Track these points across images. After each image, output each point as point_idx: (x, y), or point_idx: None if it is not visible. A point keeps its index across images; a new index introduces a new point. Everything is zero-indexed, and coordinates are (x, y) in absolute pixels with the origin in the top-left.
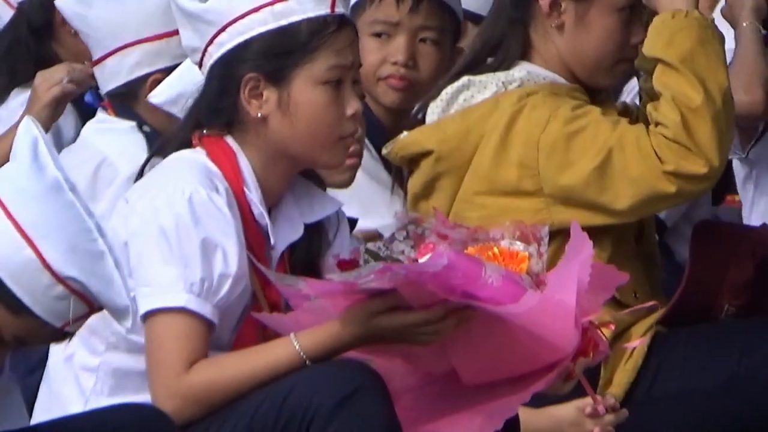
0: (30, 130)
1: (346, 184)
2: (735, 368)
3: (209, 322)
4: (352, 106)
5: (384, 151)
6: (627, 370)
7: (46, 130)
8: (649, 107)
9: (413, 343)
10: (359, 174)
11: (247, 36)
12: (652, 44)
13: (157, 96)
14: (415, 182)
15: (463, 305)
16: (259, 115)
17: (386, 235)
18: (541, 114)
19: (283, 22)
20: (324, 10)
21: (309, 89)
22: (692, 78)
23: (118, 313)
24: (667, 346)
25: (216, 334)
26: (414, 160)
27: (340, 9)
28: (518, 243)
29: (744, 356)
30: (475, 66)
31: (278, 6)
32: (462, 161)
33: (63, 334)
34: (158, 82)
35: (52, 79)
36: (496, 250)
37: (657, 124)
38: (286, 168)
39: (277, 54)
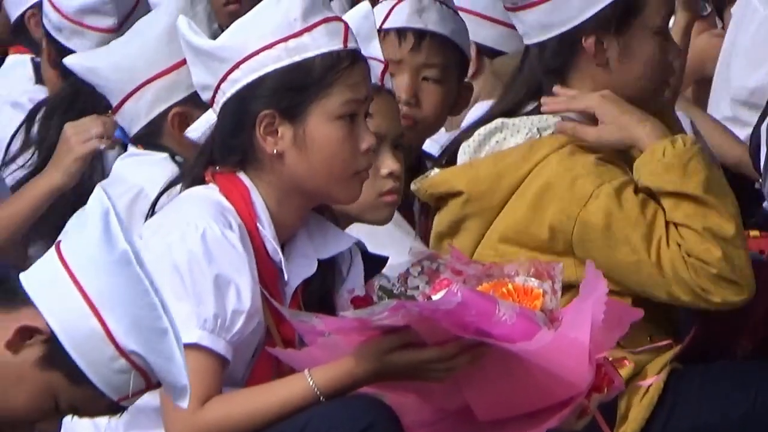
0: (102, 201)
1: (385, 221)
2: (750, 406)
3: (223, 358)
4: (367, 141)
5: (413, 187)
6: (643, 407)
7: (77, 181)
8: (682, 237)
9: (427, 380)
10: None
11: (261, 72)
12: (666, 178)
13: (195, 131)
14: (441, 220)
15: (477, 342)
16: (275, 151)
17: (400, 271)
18: (583, 188)
19: (297, 58)
20: (337, 45)
21: (324, 124)
22: (720, 206)
23: (176, 392)
24: (683, 382)
25: (230, 370)
26: (442, 198)
27: (352, 44)
28: (533, 280)
29: (759, 393)
30: (511, 113)
31: (292, 42)
32: (492, 205)
33: (117, 408)
34: (179, 115)
35: (86, 133)
36: (510, 286)
37: (690, 255)
38: (301, 203)
39: (291, 90)
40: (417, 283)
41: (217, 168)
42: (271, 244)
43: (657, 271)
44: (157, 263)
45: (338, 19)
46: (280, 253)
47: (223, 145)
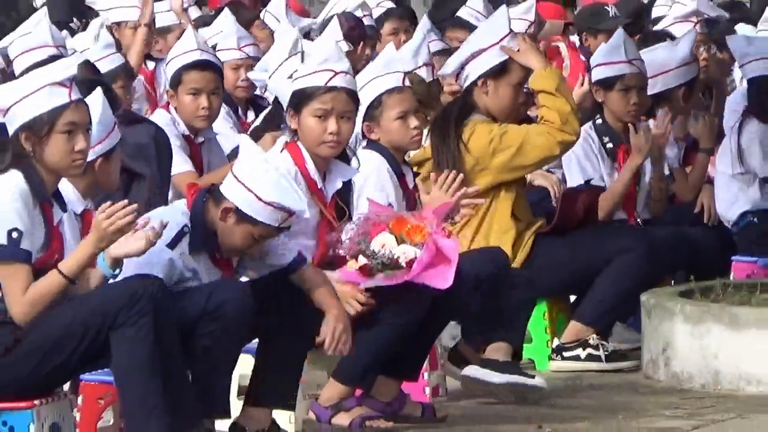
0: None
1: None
2: (582, 250)
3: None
4: (330, 128)
5: (407, 158)
6: (524, 253)
7: None
8: (541, 113)
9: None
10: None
11: (287, 93)
12: (542, 84)
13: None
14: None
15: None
16: (295, 130)
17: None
18: (484, 130)
19: (300, 86)
20: (322, 82)
21: (308, 119)
22: (563, 98)
23: (299, 216)
24: (545, 241)
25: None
26: (421, 164)
27: (333, 82)
28: (421, 220)
29: (579, 243)
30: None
31: (302, 80)
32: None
33: (281, 230)
34: None
35: (268, 146)
36: (408, 226)
37: (546, 121)
38: (318, 155)
39: (296, 102)
40: (353, 227)
41: (288, 140)
42: (315, 176)
43: (529, 139)
44: None
45: (338, 70)
46: (320, 180)
47: (287, 128)
